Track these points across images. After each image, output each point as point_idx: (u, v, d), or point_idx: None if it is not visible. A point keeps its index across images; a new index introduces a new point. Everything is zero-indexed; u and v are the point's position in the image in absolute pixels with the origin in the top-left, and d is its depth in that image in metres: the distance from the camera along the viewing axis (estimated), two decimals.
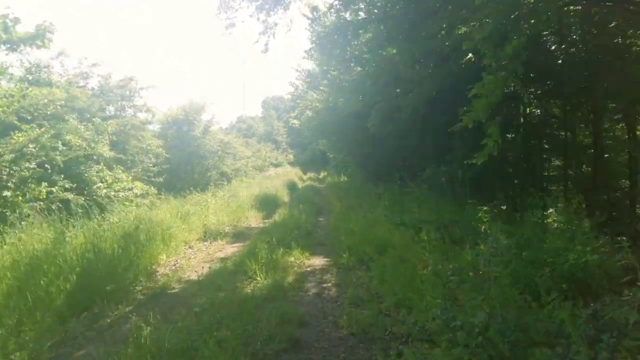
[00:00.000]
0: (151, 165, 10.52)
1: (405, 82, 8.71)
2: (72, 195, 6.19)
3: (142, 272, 5.31)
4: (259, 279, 4.72)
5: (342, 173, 23.11)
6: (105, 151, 8.01)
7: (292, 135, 43.79)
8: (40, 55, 9.89)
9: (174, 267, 6.01)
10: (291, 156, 40.13)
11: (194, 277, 5.38)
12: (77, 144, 6.82)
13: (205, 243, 7.79)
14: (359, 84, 9.92)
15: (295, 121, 15.41)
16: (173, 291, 4.81)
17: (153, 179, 10.60)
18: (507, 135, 8.91)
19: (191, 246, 7.39)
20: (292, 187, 20.63)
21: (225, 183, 14.53)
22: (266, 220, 10.69)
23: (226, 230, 9.07)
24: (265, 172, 25.87)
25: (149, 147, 10.66)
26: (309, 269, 5.34)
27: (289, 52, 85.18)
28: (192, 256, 6.71)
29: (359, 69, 10.00)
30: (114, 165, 8.23)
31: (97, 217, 6.42)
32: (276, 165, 31.76)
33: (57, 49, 10.04)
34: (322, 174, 33.01)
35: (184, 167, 13.41)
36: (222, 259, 6.26)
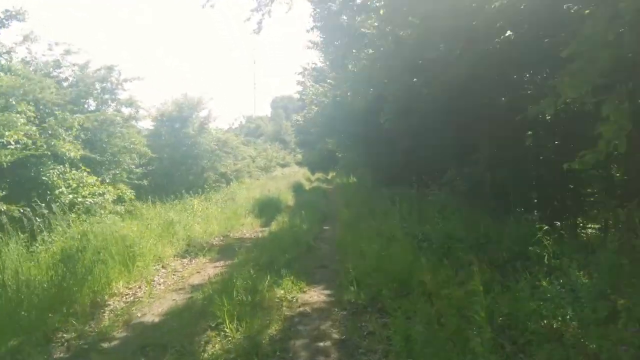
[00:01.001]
0: (134, 166, 9.17)
1: (425, 68, 7.16)
2: (4, 206, 4.82)
3: (80, 310, 3.91)
4: (227, 330, 3.26)
5: (351, 174, 21.60)
6: (70, 150, 6.66)
7: (300, 135, 42.47)
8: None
9: (132, 298, 4.60)
10: (299, 156, 38.74)
11: (149, 317, 3.96)
12: (23, 141, 5.45)
13: (184, 260, 6.38)
14: (369, 71, 8.41)
15: (299, 117, 13.89)
16: (110, 344, 3.38)
17: (136, 182, 9.26)
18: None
19: (165, 265, 5.98)
20: (298, 188, 19.18)
21: (224, 185, 13.16)
22: (264, 229, 9.26)
23: (214, 243, 7.65)
24: (271, 173, 24.52)
25: (132, 146, 9.32)
26: (301, 310, 3.85)
27: (299, 51, 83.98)
28: (161, 281, 5.30)
29: (370, 50, 8.48)
30: (82, 167, 6.88)
31: (44, 230, 5.07)
32: (283, 166, 30.40)
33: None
34: (330, 175, 31.51)
35: (178, 168, 12.08)
36: (195, 288, 4.82)
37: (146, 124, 12.81)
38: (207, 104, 12.87)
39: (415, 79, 7.74)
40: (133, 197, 7.86)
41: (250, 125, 47.20)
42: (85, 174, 6.64)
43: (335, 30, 8.83)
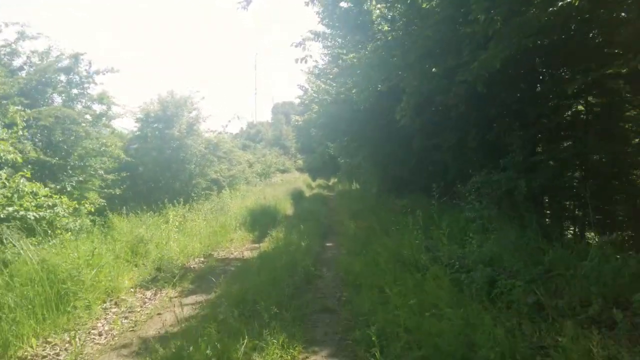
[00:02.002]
0: (103, 171, 7.72)
1: (452, 52, 5.72)
2: None
3: None
4: None
5: (354, 180, 20.13)
6: (8, 151, 5.21)
7: (300, 140, 41.19)
8: None
9: None
10: (300, 162, 37.34)
11: None
12: None
13: (147, 293, 4.89)
14: (381, 60, 6.97)
15: (299, 117, 12.44)
16: None
17: (108, 191, 7.80)
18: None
19: (120, 301, 4.50)
20: (297, 196, 17.71)
21: (215, 192, 11.67)
22: (256, 246, 7.77)
23: (191, 266, 6.18)
24: (270, 179, 23.05)
25: (104, 149, 7.87)
26: None
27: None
28: (105, 329, 3.80)
29: (383, 29, 7.05)
30: (24, 172, 5.41)
31: None
32: (283, 171, 28.92)
33: None
34: (332, 181, 30.05)
35: (163, 174, 10.61)
36: (145, 345, 3.33)
37: (130, 125, 11.38)
38: (198, 103, 11.45)
39: (434, 69, 6.28)
40: (92, 209, 6.37)
41: (250, 130, 45.89)
42: (23, 180, 5.16)
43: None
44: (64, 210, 5.67)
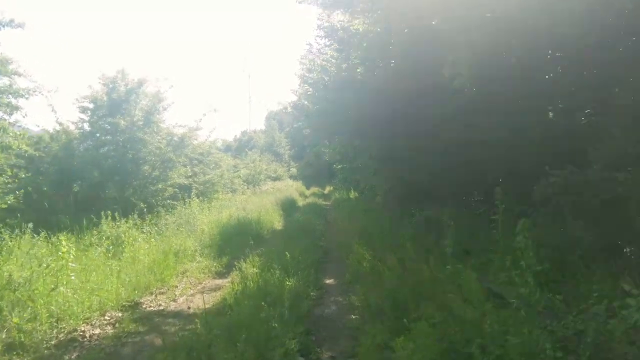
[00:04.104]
0: None
1: None
2: None
3: None
4: None
5: (352, 188, 17.42)
6: None
7: (294, 148, 38.68)
8: None
9: None
10: (294, 170, 34.70)
11: None
12: None
13: None
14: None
15: (288, 105, 9.44)
16: None
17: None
18: None
19: None
20: (289, 206, 14.98)
21: (180, 202, 8.87)
22: (219, 282, 5.04)
23: (85, 335, 3.41)
24: (259, 187, 20.30)
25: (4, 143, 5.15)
26: None
27: (295, 64, 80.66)
28: None
29: None
30: None
31: None
32: (275, 179, 26.14)
33: None
34: (327, 189, 27.36)
35: (110, 178, 7.85)
36: None
37: (74, 116, 8.60)
38: (164, 91, 8.76)
39: None
40: None
41: (243, 138, 43.32)
42: None
43: None
44: None
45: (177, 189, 9.55)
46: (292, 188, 23.32)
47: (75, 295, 3.68)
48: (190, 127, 9.48)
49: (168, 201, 8.47)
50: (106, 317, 3.73)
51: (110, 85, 7.61)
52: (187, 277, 5.21)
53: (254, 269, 4.61)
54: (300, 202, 18.34)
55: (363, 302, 3.45)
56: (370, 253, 4.64)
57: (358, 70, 7.70)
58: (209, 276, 5.36)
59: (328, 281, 4.83)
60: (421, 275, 3.36)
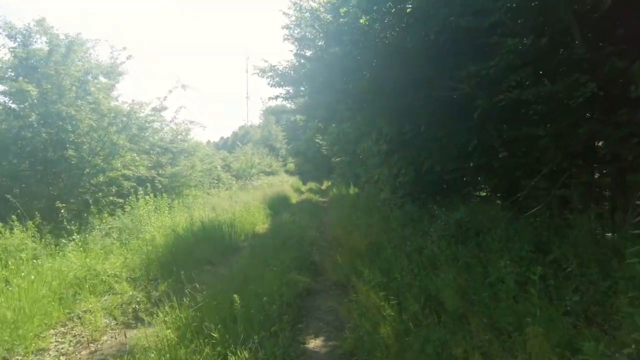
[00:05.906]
0: None
1: None
2: None
3: None
4: None
5: (351, 182, 15.29)
6: None
7: (291, 142, 36.55)
8: None
9: None
10: (291, 165, 32.55)
11: None
12: None
13: None
14: None
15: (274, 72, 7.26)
16: None
17: None
18: None
19: None
20: (280, 203, 12.81)
21: (134, 200, 6.72)
22: (127, 340, 2.93)
23: None
24: (251, 181, 18.17)
25: None
26: None
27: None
28: None
29: None
30: None
31: None
32: (269, 174, 23.95)
33: None
34: (324, 184, 25.25)
35: (32, 167, 5.74)
36: None
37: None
38: (120, 65, 6.55)
39: None
40: None
41: (239, 132, 41.20)
42: None
43: None
44: None
45: (135, 183, 7.44)
46: (286, 183, 21.13)
47: None
48: (144, 103, 7.26)
49: (111, 198, 6.33)
50: None
51: (20, 39, 5.43)
52: (82, 324, 3.09)
53: (169, 335, 2.46)
54: (295, 199, 16.20)
55: None
56: (386, 288, 2.51)
57: (361, 20, 5.52)
58: (119, 323, 3.23)
59: (312, 344, 2.69)
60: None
